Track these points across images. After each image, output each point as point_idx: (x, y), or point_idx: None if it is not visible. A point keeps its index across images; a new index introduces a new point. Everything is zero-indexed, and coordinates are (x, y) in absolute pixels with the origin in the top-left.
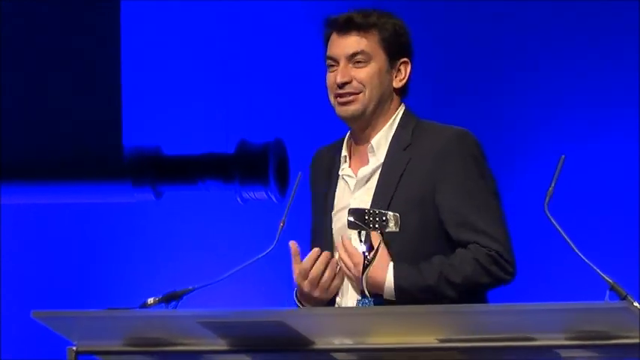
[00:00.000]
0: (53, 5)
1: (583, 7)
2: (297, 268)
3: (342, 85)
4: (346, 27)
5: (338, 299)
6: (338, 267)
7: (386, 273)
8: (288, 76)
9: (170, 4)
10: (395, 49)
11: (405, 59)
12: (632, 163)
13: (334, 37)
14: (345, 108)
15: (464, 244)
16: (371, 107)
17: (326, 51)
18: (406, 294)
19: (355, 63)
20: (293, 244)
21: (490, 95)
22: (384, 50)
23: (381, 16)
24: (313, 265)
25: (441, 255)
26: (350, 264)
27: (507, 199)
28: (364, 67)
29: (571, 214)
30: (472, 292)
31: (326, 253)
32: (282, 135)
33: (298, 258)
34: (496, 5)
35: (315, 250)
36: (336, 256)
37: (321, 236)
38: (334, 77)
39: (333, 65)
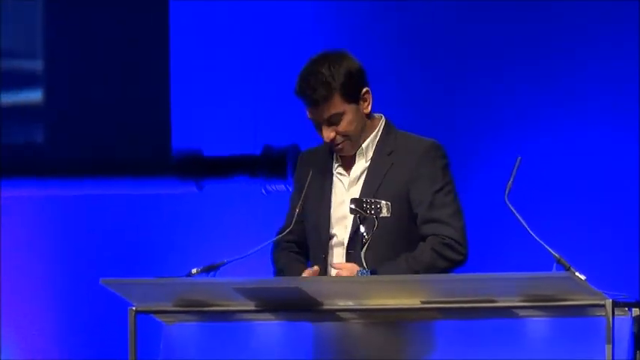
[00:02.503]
0: (104, 13)
1: (583, 7)
2: (306, 273)
3: (336, 146)
4: (312, 103)
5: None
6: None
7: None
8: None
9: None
10: (354, 92)
11: (365, 89)
12: (632, 162)
13: (309, 109)
14: (342, 152)
15: (425, 236)
16: (359, 139)
17: (306, 111)
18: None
19: (332, 122)
20: (315, 270)
21: (490, 95)
22: (347, 100)
23: (332, 75)
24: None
25: (407, 247)
26: (347, 273)
27: (487, 193)
28: (340, 121)
29: (571, 215)
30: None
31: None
32: (297, 139)
33: (311, 272)
34: (494, 5)
35: (316, 269)
36: (334, 256)
37: (314, 225)
38: (326, 137)
39: (316, 126)
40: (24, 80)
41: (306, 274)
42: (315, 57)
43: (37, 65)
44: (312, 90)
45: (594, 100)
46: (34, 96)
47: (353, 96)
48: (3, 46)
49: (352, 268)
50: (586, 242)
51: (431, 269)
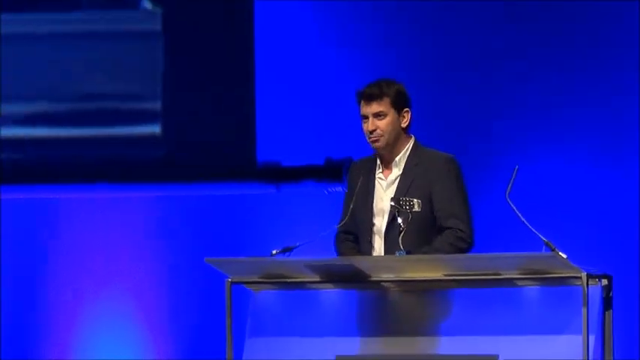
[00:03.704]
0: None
1: (583, 7)
2: None
3: (371, 132)
4: (369, 98)
5: (375, 249)
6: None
7: None
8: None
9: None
10: (399, 106)
11: (406, 109)
12: (632, 162)
13: (363, 102)
14: (374, 145)
15: (443, 229)
16: (390, 142)
17: (359, 109)
18: None
19: (377, 118)
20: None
21: (490, 94)
22: (393, 108)
23: (389, 86)
24: None
25: (430, 233)
26: None
27: (494, 194)
28: (382, 120)
29: (572, 214)
30: None
31: None
32: (350, 153)
33: None
34: (494, 5)
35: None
36: (375, 240)
37: (361, 216)
38: (366, 127)
39: (365, 119)
40: (144, 117)
41: None
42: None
43: (157, 105)
44: (371, 88)
45: (595, 98)
46: (153, 129)
47: (397, 107)
48: (124, 90)
49: None
50: (569, 230)
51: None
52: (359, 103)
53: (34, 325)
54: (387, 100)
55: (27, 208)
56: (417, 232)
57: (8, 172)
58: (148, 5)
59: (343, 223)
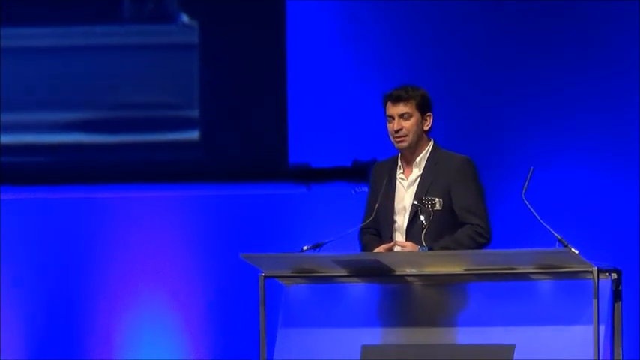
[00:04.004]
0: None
1: (583, 7)
2: (382, 248)
3: (397, 132)
4: (397, 99)
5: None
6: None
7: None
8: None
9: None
10: (423, 109)
11: (429, 113)
12: (632, 162)
13: (389, 104)
14: (399, 145)
15: (463, 224)
16: (413, 143)
17: (385, 111)
18: None
19: (403, 118)
20: (390, 245)
21: (488, 94)
22: (418, 110)
23: (415, 90)
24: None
25: (449, 230)
26: (409, 249)
27: (509, 192)
28: (408, 120)
29: (574, 213)
30: None
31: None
32: (375, 155)
33: (386, 247)
34: (493, 6)
35: (391, 244)
36: (396, 236)
37: (383, 214)
38: (392, 127)
39: (390, 119)
40: (183, 124)
41: (381, 249)
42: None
43: (195, 113)
44: (398, 91)
45: (595, 100)
46: (192, 135)
47: (422, 110)
48: (164, 99)
49: (412, 246)
50: (582, 227)
51: (466, 249)
52: (385, 105)
53: (76, 324)
54: (412, 102)
55: (73, 207)
56: (437, 230)
57: (55, 174)
58: (185, 19)
59: (369, 221)
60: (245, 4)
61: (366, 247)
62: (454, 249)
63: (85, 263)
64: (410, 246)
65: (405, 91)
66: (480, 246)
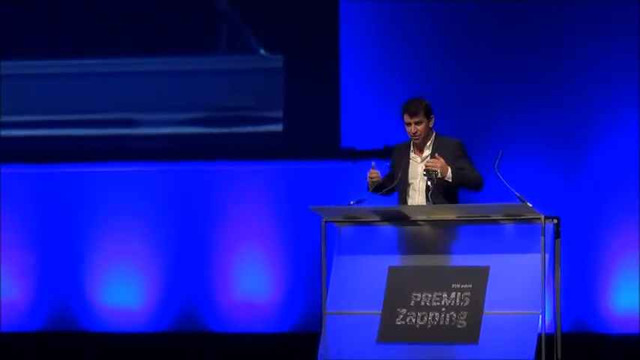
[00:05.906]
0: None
1: (583, 7)
2: (372, 171)
3: (413, 134)
4: (411, 112)
5: (409, 200)
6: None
7: (448, 169)
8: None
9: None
10: (428, 115)
11: (432, 116)
12: (632, 162)
13: (407, 115)
14: (415, 140)
15: (461, 183)
16: (425, 136)
17: (403, 119)
18: (457, 177)
19: (416, 124)
20: (373, 168)
21: (489, 94)
22: (425, 116)
23: (422, 103)
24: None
25: (447, 196)
26: (440, 164)
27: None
28: (420, 125)
29: (573, 213)
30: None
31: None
32: (399, 140)
33: (374, 171)
34: (493, 6)
35: (374, 169)
36: (411, 195)
37: (402, 180)
38: (410, 129)
39: (408, 125)
40: (270, 121)
41: (374, 174)
42: (414, 97)
43: (279, 114)
44: (410, 107)
45: (594, 100)
46: (277, 128)
47: (427, 115)
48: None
49: (442, 163)
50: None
51: (472, 181)
52: (403, 115)
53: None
54: (422, 112)
55: (191, 179)
56: (439, 191)
57: (175, 157)
58: (263, 52)
59: (391, 187)
60: (303, 20)
61: (382, 185)
62: (470, 177)
63: (199, 227)
64: (439, 162)
65: (415, 106)
66: (480, 185)
